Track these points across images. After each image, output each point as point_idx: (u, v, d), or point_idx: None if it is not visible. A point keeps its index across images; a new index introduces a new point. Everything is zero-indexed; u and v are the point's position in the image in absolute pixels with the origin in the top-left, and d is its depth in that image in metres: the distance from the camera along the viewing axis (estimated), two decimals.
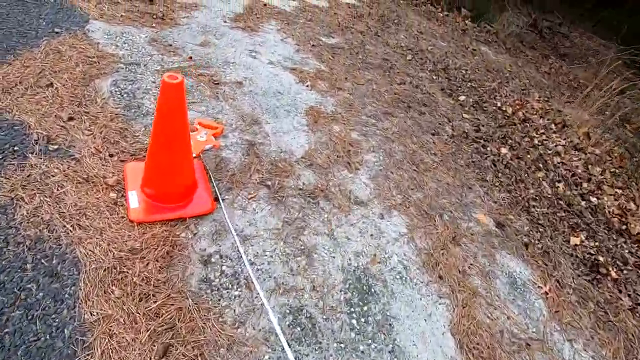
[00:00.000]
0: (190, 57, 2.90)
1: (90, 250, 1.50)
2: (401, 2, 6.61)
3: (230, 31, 3.50)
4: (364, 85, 3.56)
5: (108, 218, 1.64)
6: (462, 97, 4.25)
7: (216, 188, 1.97)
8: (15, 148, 1.71)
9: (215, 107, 2.55)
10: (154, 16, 3.16)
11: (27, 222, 1.49)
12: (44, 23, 2.54)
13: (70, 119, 1.96)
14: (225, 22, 3.61)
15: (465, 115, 3.85)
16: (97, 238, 1.54)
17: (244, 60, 3.17)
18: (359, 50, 4.17)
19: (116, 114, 2.12)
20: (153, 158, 1.71)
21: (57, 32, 2.51)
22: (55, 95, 2.06)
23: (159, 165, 1.72)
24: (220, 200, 1.93)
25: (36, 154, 1.73)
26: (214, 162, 2.14)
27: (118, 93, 2.31)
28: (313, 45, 3.87)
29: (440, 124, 3.51)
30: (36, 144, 1.79)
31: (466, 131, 3.54)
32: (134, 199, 1.74)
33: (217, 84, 2.77)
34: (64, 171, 1.72)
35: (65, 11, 2.74)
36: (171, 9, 3.37)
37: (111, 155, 1.90)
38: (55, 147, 1.82)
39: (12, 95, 1.95)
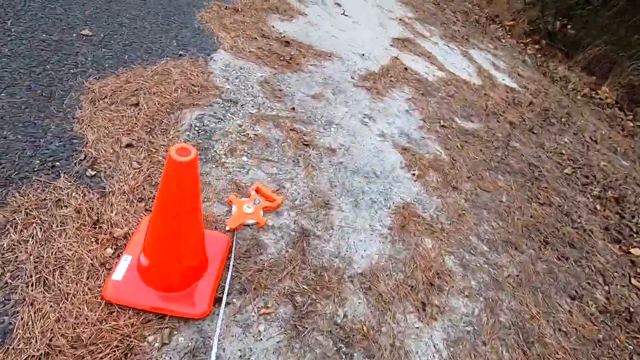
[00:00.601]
0: (293, 108, 2.63)
1: (30, 323, 1.20)
2: (579, 97, 5.37)
3: (353, 89, 3.15)
4: (490, 193, 2.71)
5: (82, 282, 1.34)
6: (637, 251, 2.94)
7: (227, 284, 1.52)
8: (57, 163, 1.61)
9: (288, 172, 2.16)
10: (281, 58, 3.03)
11: None
12: (175, 44, 2.62)
13: (129, 145, 1.82)
14: (352, 78, 3.28)
15: (635, 281, 2.59)
16: (51, 306, 1.23)
17: (351, 125, 2.75)
18: (500, 144, 3.32)
19: None
20: (153, 230, 1.33)
21: (180, 55, 2.54)
22: (134, 116, 1.98)
23: (158, 241, 1.34)
24: (222, 306, 1.46)
25: (70, 175, 1.58)
26: (246, 244, 1.71)
27: (196, 129, 2.14)
28: (442, 125, 3.22)
29: (589, 283, 2.38)
30: (79, 164, 1.67)
31: (631, 309, 2.32)
32: (122, 268, 1.40)
33: (307, 145, 2.40)
34: (79, 205, 1.53)
35: (201, 37, 2.81)
36: (303, 54, 3.22)
37: (140, 200, 1.65)
38: (94, 173, 1.67)
39: (95, 107, 1.93)
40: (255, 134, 2.24)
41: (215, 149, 2.04)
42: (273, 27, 3.31)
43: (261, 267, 1.64)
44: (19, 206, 1.40)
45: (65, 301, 1.26)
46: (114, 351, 1.22)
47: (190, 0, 3.00)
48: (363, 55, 3.67)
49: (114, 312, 1.31)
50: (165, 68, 2.33)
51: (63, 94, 1.86)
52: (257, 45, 3.00)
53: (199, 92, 2.30)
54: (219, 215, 1.76)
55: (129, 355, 1.24)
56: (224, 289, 1.49)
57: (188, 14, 2.84)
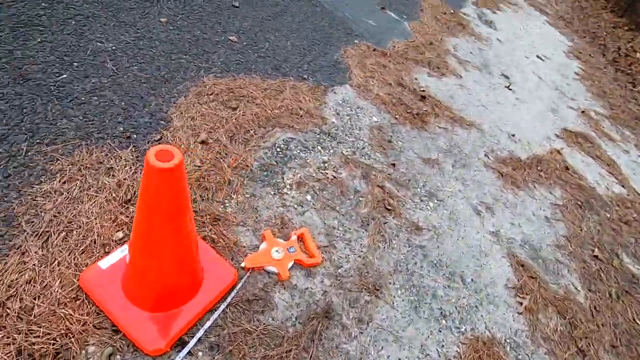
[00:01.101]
0: (394, 165, 2.24)
1: (6, 271, 1.17)
2: None
3: (481, 168, 2.55)
4: None
5: (75, 254, 1.25)
6: None
7: (203, 329, 1.21)
8: (134, 136, 1.66)
9: (349, 232, 1.77)
10: (409, 110, 2.71)
11: None
12: (305, 67, 2.60)
13: (203, 142, 1.78)
14: (486, 156, 2.69)
15: None
16: (33, 265, 1.14)
17: (459, 208, 2.18)
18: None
19: (248, 169, 1.78)
20: (135, 233, 1.13)
21: (304, 78, 2.49)
22: (225, 118, 1.95)
23: (137, 247, 1.13)
24: (181, 355, 1.15)
25: (137, 150, 1.57)
26: (253, 293, 1.38)
27: (277, 149, 1.99)
28: (596, 256, 2.28)
29: None
30: (150, 143, 1.70)
31: None
32: (114, 258, 1.24)
33: (389, 210, 1.98)
34: (123, 180, 1.50)
35: (334, 69, 2.73)
36: (435, 114, 2.82)
37: None
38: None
39: (198, 99, 1.99)
40: (334, 176, 1.97)
41: (283, 176, 1.85)
42: (416, 79, 3.05)
43: (253, 330, 1.31)
44: (77, 160, 1.47)
45: (48, 266, 1.21)
46: (49, 344, 1.09)
47: (342, 35, 3.03)
48: (513, 136, 3.01)
49: (79, 299, 1.19)
50: (281, 85, 2.32)
51: (179, 82, 1.99)
52: (387, 91, 2.77)
53: (301, 116, 2.19)
54: (243, 246, 1.53)
55: (59, 356, 1.08)
56: (195, 333, 1.23)
57: (333, 46, 2.85)
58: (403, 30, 3.59)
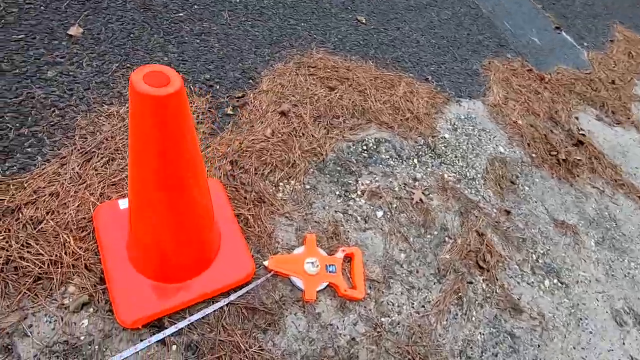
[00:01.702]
0: (508, 212, 1.65)
1: (33, 181, 1.11)
2: None
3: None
4: None
5: (106, 181, 1.17)
6: None
7: (187, 321, 0.95)
8: (244, 85, 1.52)
9: (416, 276, 1.28)
10: (552, 152, 2.01)
11: None
12: (433, 68, 2.14)
13: (282, 113, 1.53)
14: None
15: None
16: (61, 184, 1.08)
17: (588, 306, 1.45)
18: None
19: (322, 157, 1.46)
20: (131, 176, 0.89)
21: (427, 79, 2.05)
22: (318, 96, 1.68)
23: (132, 192, 0.90)
24: (150, 340, 0.93)
25: (215, 99, 1.43)
26: (262, 300, 1.06)
27: (362, 147, 1.62)
28: None
29: None
30: (231, 99, 1.53)
31: None
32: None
33: (482, 268, 1.42)
34: None
35: (468, 78, 2.20)
36: (591, 167, 2.05)
37: (227, 162, 1.35)
38: (231, 113, 1.50)
39: (297, 71, 1.77)
40: (421, 200, 1.53)
41: (358, 179, 1.50)
42: (576, 118, 2.30)
43: (244, 347, 1.01)
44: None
45: (76, 185, 1.13)
46: (36, 265, 0.98)
47: (492, 45, 2.48)
48: None
49: (86, 231, 1.08)
50: (396, 79, 1.96)
51: (285, 47, 1.81)
52: (530, 122, 2.13)
53: (407, 119, 1.80)
54: (277, 241, 1.24)
55: (39, 282, 0.97)
56: (180, 321, 0.99)
57: (475, 54, 2.33)
58: (576, 58, 2.80)
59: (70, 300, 0.96)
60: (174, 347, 0.98)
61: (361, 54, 1.98)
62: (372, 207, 1.43)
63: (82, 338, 0.93)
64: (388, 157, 1.62)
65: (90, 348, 0.93)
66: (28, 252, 0.98)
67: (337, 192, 1.43)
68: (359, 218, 1.39)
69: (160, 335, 0.97)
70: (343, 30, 2.04)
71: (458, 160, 1.76)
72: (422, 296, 1.28)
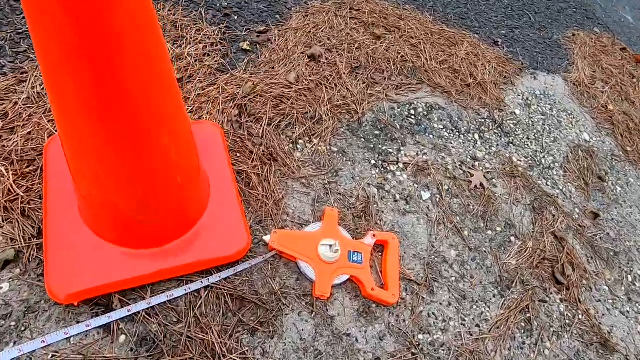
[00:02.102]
0: (596, 215, 1.24)
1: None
2: None
3: None
4: None
5: None
6: None
7: (142, 306, 0.67)
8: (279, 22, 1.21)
9: (471, 296, 0.93)
10: None
11: None
12: (505, 30, 1.75)
13: (311, 57, 1.21)
14: None
15: None
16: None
17: None
18: None
19: (357, 116, 1.12)
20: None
21: (495, 43, 1.66)
22: (358, 45, 1.33)
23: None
24: (86, 323, 0.63)
25: (231, 33, 1.11)
26: (253, 292, 0.76)
27: (411, 111, 1.26)
28: None
29: None
30: (256, 34, 1.23)
31: None
32: None
33: (560, 285, 1.04)
34: (204, 58, 1.07)
35: (547, 49, 1.77)
36: None
37: (230, 101, 1.04)
38: (248, 49, 1.18)
39: (340, 9, 1.43)
40: (481, 185, 1.17)
41: (402, 149, 1.15)
42: None
43: (221, 353, 0.71)
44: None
45: (31, 108, 0.87)
46: None
47: (577, 16, 2.01)
48: None
49: (33, 167, 0.80)
50: (458, 38, 1.58)
51: None
52: (624, 109, 1.68)
53: (468, 86, 1.42)
54: (286, 212, 0.92)
55: None
56: (135, 302, 0.70)
57: (557, 23, 1.89)
58: None
59: None
60: (122, 337, 0.70)
61: (417, 4, 1.61)
62: (416, 186, 1.09)
63: (7, 310, 0.67)
64: (441, 127, 1.27)
65: (4, 324, 0.67)
66: None
67: (373, 161, 1.09)
68: (398, 197, 1.05)
69: (104, 319, 0.69)
70: None
71: (531, 142, 1.37)
72: (476, 311, 0.93)
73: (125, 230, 0.73)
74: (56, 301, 0.67)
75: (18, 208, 0.74)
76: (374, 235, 0.90)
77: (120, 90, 0.53)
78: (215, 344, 0.71)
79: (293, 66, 1.18)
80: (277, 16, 1.28)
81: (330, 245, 0.84)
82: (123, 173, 0.63)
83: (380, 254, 0.92)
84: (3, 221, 0.72)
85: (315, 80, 1.18)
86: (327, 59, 1.24)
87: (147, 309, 0.71)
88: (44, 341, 0.64)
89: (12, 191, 0.75)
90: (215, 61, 1.10)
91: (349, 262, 0.85)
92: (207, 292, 0.76)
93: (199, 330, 0.72)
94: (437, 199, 1.08)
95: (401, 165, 1.11)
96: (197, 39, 1.12)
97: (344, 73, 1.23)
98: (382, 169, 1.08)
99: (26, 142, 0.81)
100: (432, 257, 0.97)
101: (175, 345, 0.70)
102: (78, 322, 0.68)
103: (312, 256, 0.83)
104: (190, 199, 0.77)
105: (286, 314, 0.78)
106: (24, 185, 0.76)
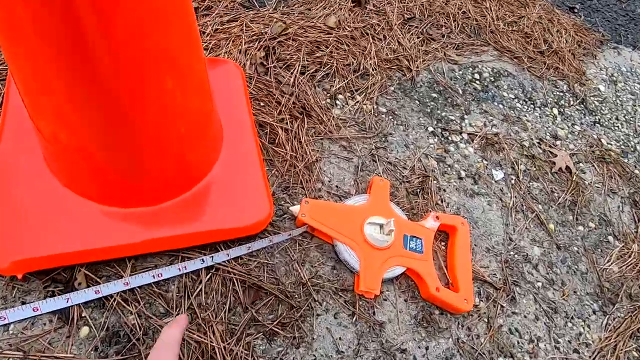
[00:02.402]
0: None
1: None
2: None
3: None
4: None
5: None
6: None
7: (116, 287, 0.47)
8: None
9: (563, 309, 0.68)
10: None
11: None
12: (596, 2, 1.50)
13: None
14: None
15: None
16: None
17: None
18: None
19: (410, 74, 0.88)
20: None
21: (572, 9, 1.41)
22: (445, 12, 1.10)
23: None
24: (48, 308, 0.46)
25: None
26: (272, 281, 0.54)
27: (474, 76, 1.02)
28: None
29: None
30: None
31: None
32: None
33: None
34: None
35: (634, 23, 1.53)
36: None
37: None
38: None
39: None
40: (567, 169, 0.92)
41: (466, 117, 0.91)
42: None
43: (217, 356, 0.50)
44: None
45: None
46: None
47: None
48: None
49: None
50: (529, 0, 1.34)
51: None
52: None
53: (542, 53, 1.17)
54: (321, 181, 0.70)
55: None
56: (108, 280, 0.49)
57: None
58: None
59: None
60: (85, 330, 0.49)
61: None
62: (485, 162, 0.85)
63: None
64: (512, 97, 1.02)
65: None
66: None
67: (430, 128, 0.86)
68: (463, 173, 0.82)
69: (60, 302, 0.48)
70: None
71: (621, 125, 1.11)
72: (573, 331, 0.69)
73: (103, 182, 0.53)
74: None
75: None
76: (437, 218, 0.67)
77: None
78: (217, 350, 0.50)
79: (333, 10, 0.97)
80: None
81: (381, 225, 0.62)
82: (102, 119, 0.43)
83: (443, 243, 0.69)
84: None
85: (359, 28, 0.96)
86: (374, 5, 1.02)
87: (124, 292, 0.51)
88: None
89: None
90: None
91: (405, 250, 0.62)
92: (209, 274, 0.55)
93: (195, 329, 0.51)
94: (513, 181, 0.84)
95: (465, 136, 0.88)
96: None
97: (395, 24, 1.01)
98: (442, 139, 0.85)
99: None
100: (511, 253, 0.73)
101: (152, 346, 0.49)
102: (23, 303, 0.48)
103: (356, 237, 0.61)
104: (194, 153, 0.56)
105: (317, 315, 0.56)
106: None
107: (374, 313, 0.58)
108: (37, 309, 0.47)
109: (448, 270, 0.64)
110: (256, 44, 0.83)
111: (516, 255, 0.72)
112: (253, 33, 0.84)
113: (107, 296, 0.50)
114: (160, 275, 0.52)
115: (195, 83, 0.51)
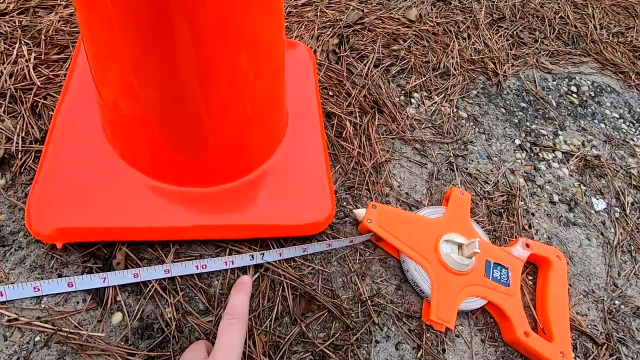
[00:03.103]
0: None
1: None
2: None
3: None
4: None
5: None
6: None
7: (153, 273, 0.41)
8: None
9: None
10: None
11: None
12: None
13: None
14: None
15: None
16: None
17: None
18: None
19: (498, 78, 0.78)
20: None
21: None
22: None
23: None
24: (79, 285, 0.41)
25: None
26: (327, 292, 0.45)
27: (570, 88, 0.89)
28: None
29: None
30: None
31: None
32: None
33: None
34: None
35: None
36: None
37: None
38: None
39: None
40: None
41: (560, 130, 0.79)
42: None
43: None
44: None
45: None
46: None
47: None
48: None
49: (61, 59, 0.62)
50: None
51: None
52: None
53: None
54: (390, 185, 0.61)
55: None
56: (149, 264, 0.44)
57: None
58: None
59: None
60: (118, 316, 0.45)
61: None
62: (584, 187, 0.73)
63: None
64: (617, 116, 0.88)
65: None
66: None
67: (518, 141, 0.75)
68: (556, 197, 0.70)
69: (96, 281, 0.44)
70: None
71: None
72: None
73: (158, 155, 0.49)
74: (36, 237, 0.44)
75: (29, 101, 0.54)
76: (528, 246, 0.56)
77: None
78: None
79: (415, 2, 0.89)
80: None
81: (461, 245, 0.52)
82: (168, 94, 0.39)
83: (530, 277, 0.58)
84: (5, 113, 0.53)
85: (442, 24, 0.87)
86: (460, 2, 0.93)
87: (163, 279, 0.46)
88: (1, 293, 0.42)
89: (29, 78, 0.55)
90: None
91: (487, 279, 0.52)
92: (257, 274, 0.48)
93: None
94: (617, 214, 0.70)
95: (559, 155, 0.75)
96: None
97: (482, 23, 0.91)
98: (532, 154, 0.73)
99: (63, 24, 0.62)
100: (616, 302, 0.60)
101: (184, 348, 0.43)
102: (60, 277, 0.44)
103: (429, 255, 0.52)
104: (257, 136, 0.51)
105: (377, 342, 0.47)
106: (44, 75, 0.56)
107: (443, 350, 0.48)
108: (72, 285, 0.43)
109: (538, 311, 0.53)
110: (330, 30, 0.77)
111: (622, 306, 0.59)
112: (327, 19, 0.78)
113: (145, 282, 0.45)
114: (204, 267, 0.46)
115: (271, 67, 0.46)
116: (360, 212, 0.53)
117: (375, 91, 0.71)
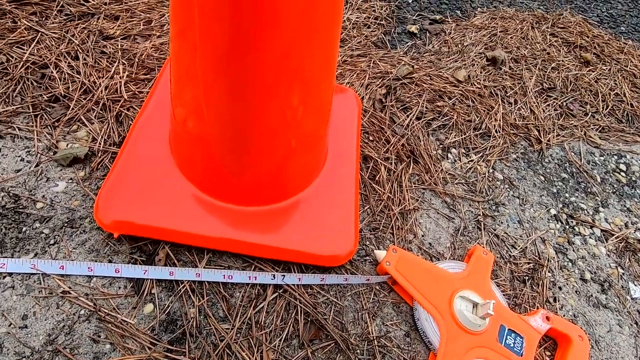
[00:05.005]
0: None
1: None
2: None
3: None
4: None
5: None
6: None
7: (188, 274, 0.46)
8: None
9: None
10: None
11: None
12: None
13: (493, 60, 0.94)
14: None
15: None
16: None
17: None
18: None
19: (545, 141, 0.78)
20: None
21: None
22: (556, 59, 1.01)
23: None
24: (129, 272, 0.46)
25: None
26: (357, 328, 0.47)
27: (619, 166, 0.87)
28: None
29: None
30: None
31: None
32: None
33: None
34: None
35: None
36: None
37: None
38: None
39: (540, 24, 1.13)
40: None
41: (601, 207, 0.77)
42: None
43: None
44: None
45: None
46: (59, 84, 0.66)
47: None
48: None
49: (146, 78, 0.72)
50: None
51: None
52: None
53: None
54: (414, 233, 0.63)
55: (51, 103, 0.63)
56: (185, 266, 0.49)
57: None
58: None
59: (67, 145, 0.61)
60: (149, 307, 0.51)
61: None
62: (621, 270, 0.70)
63: (38, 206, 0.55)
64: None
65: (38, 228, 0.54)
66: (68, 65, 0.68)
67: (554, 211, 0.75)
68: (588, 275, 0.68)
69: (138, 271, 0.50)
70: (617, 5, 1.34)
71: None
72: None
73: (209, 169, 0.56)
74: (99, 224, 0.52)
75: (115, 110, 0.65)
76: (548, 319, 0.56)
77: (271, 20, 0.36)
78: None
79: (465, 64, 0.94)
80: (458, 11, 1.08)
81: (476, 304, 0.53)
82: (229, 119, 0.47)
83: (548, 353, 0.57)
84: (96, 117, 0.64)
85: (490, 87, 0.91)
86: (510, 67, 0.97)
87: (194, 282, 0.51)
88: (62, 267, 0.49)
89: (119, 92, 0.67)
90: (375, 35, 0.94)
91: (499, 345, 0.52)
92: (275, 293, 0.52)
93: (245, 345, 0.48)
94: None
95: (598, 232, 0.74)
96: (361, 8, 0.99)
97: (531, 90, 0.94)
98: (567, 227, 0.73)
99: (154, 51, 0.74)
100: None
101: (204, 349, 0.47)
102: (110, 262, 0.51)
103: (442, 308, 0.53)
104: (296, 168, 0.57)
105: None
106: (131, 90, 0.67)
107: None
108: (118, 271, 0.50)
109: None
110: (379, 81, 0.84)
111: None
112: (379, 70, 0.86)
113: (178, 280, 0.51)
114: (230, 277, 0.51)
115: (319, 106, 0.53)
116: (380, 254, 0.56)
117: (413, 142, 0.76)
